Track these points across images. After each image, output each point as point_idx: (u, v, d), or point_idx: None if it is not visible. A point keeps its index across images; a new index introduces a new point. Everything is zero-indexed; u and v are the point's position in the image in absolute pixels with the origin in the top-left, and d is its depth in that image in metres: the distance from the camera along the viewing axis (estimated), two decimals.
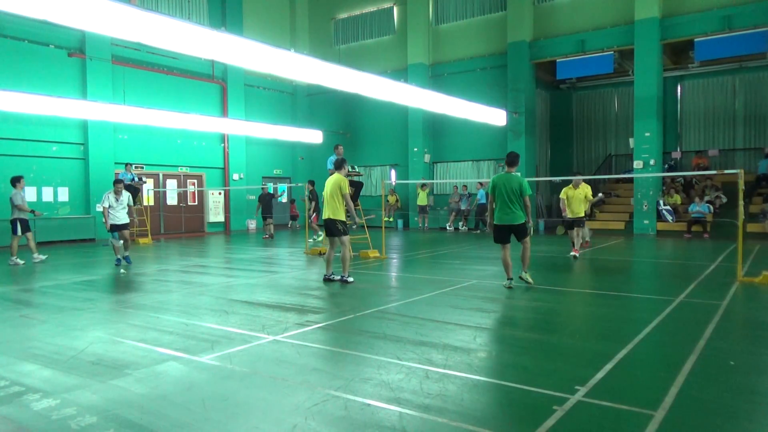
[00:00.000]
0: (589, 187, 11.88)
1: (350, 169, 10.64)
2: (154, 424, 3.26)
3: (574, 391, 3.67)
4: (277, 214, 20.53)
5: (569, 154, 23.23)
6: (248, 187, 21.18)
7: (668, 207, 17.05)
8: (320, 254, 12.00)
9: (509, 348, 5.00)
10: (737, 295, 7.09)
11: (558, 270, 9.86)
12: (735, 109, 20.05)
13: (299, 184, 18.19)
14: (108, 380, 4.03)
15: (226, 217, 21.39)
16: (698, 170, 18.42)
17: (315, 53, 22.24)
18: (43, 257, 11.61)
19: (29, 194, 15.29)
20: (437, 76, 21.12)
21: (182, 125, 16.16)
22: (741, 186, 8.30)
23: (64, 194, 16.59)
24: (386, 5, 22.70)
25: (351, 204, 8.42)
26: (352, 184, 10.65)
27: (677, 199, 17.64)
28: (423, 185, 20.63)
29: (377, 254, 11.75)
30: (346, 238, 8.43)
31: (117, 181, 10.52)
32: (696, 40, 16.50)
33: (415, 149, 21.50)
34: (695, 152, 20.41)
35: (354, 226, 10.28)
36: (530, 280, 7.70)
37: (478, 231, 18.97)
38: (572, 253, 11.53)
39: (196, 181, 20.70)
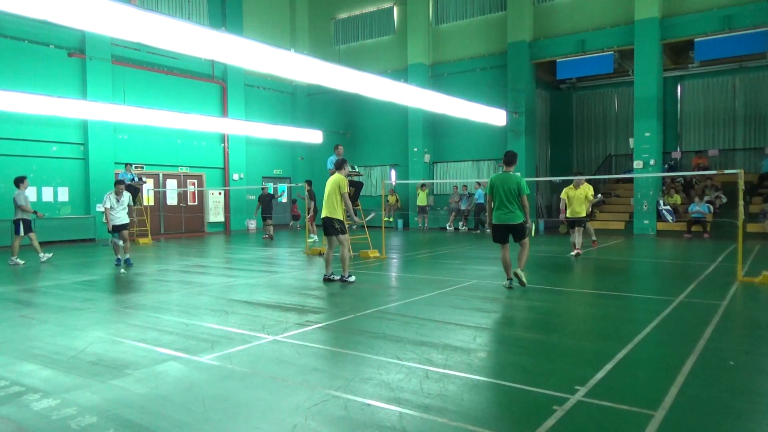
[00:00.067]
0: (591, 188, 11.88)
1: (350, 169, 10.62)
2: (154, 424, 3.26)
3: (574, 391, 3.66)
4: (277, 214, 20.53)
5: (569, 154, 23.24)
6: (248, 187, 21.19)
7: (668, 207, 17.05)
8: (320, 254, 12.00)
9: (509, 348, 5.00)
10: (737, 295, 7.09)
11: (558, 270, 9.86)
12: (735, 109, 20.05)
13: (299, 184, 18.19)
14: (108, 380, 4.03)
15: (226, 217, 21.39)
16: (698, 170, 18.43)
17: (315, 53, 22.24)
18: (49, 255, 11.61)
19: (29, 194, 15.27)
20: (437, 76, 21.13)
21: (182, 125, 16.16)
22: (741, 186, 8.30)
23: (64, 194, 16.59)
24: (386, 5, 22.71)
25: (349, 203, 8.42)
26: (352, 184, 10.66)
27: (677, 199, 17.64)
28: (422, 185, 20.64)
29: (377, 254, 11.75)
30: (343, 237, 8.42)
31: (118, 182, 10.53)
32: (696, 40, 16.50)
33: (415, 149, 21.50)
34: (695, 152, 20.42)
35: (354, 227, 10.30)
36: (524, 279, 7.52)
37: (478, 231, 18.97)
38: (573, 253, 11.54)
39: (196, 181, 20.71)
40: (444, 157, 21.65)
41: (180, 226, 20.28)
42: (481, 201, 18.80)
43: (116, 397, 3.68)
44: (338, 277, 8.42)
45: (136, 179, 16.62)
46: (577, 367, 4.25)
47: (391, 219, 21.75)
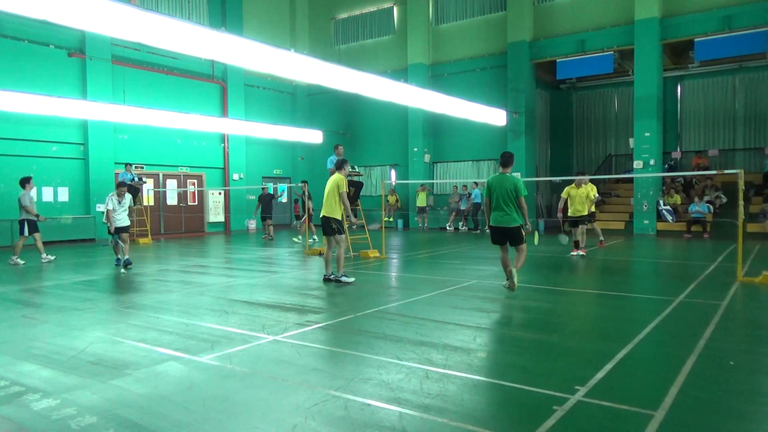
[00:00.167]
0: (594, 188, 11.90)
1: (350, 169, 10.61)
2: (154, 424, 3.26)
3: (574, 391, 3.67)
4: (277, 214, 20.53)
5: (569, 154, 23.24)
6: (248, 187, 21.19)
7: (668, 207, 17.05)
8: (320, 254, 12.00)
9: (509, 348, 5.00)
10: (737, 295, 7.09)
11: (558, 270, 9.86)
12: (735, 109, 20.04)
13: (299, 184, 18.20)
14: (108, 380, 4.03)
15: (226, 217, 21.39)
16: (698, 170, 18.43)
17: (315, 53, 22.24)
18: (51, 257, 11.61)
19: (19, 195, 15.27)
20: (437, 76, 21.12)
21: (182, 125, 16.17)
22: (741, 186, 8.30)
23: (64, 194, 16.59)
24: (386, 5, 22.71)
25: (347, 203, 8.40)
26: (352, 184, 10.65)
27: (677, 199, 17.64)
28: (422, 186, 20.65)
29: (377, 254, 11.75)
30: (341, 237, 8.42)
31: (120, 184, 10.52)
32: (696, 40, 16.50)
33: (415, 149, 21.50)
34: (695, 152, 20.42)
35: (354, 227, 10.30)
36: (515, 281, 7.13)
37: (478, 231, 18.97)
38: (573, 253, 11.55)
39: (196, 181, 20.71)
40: (444, 157, 21.65)
41: (180, 226, 20.28)
42: (479, 201, 18.84)
43: (116, 397, 3.69)
44: (334, 277, 8.42)
45: (136, 179, 16.61)
46: (577, 367, 4.25)
47: (391, 219, 21.76)
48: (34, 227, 11.45)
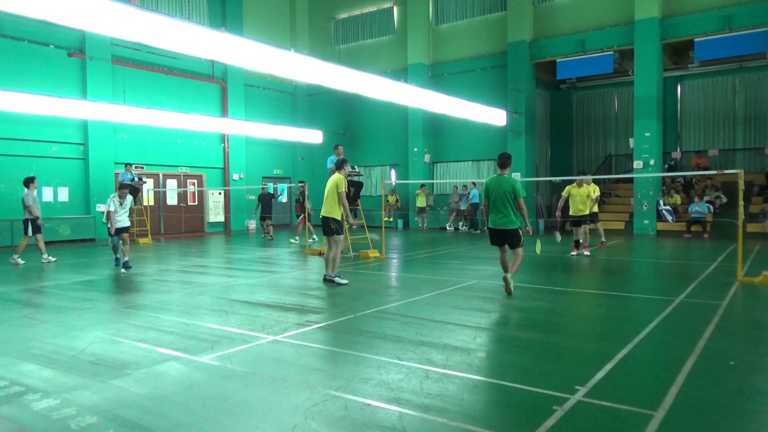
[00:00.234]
0: (597, 188, 11.92)
1: (351, 169, 10.61)
2: (154, 424, 3.26)
3: (574, 391, 3.67)
4: (276, 214, 20.52)
5: (569, 154, 23.24)
6: (248, 187, 21.18)
7: (668, 207, 17.05)
8: (320, 254, 12.00)
9: (509, 348, 5.00)
10: (737, 295, 7.09)
11: (558, 270, 9.86)
12: (735, 109, 20.05)
13: (297, 184, 18.21)
14: (108, 380, 4.03)
15: (226, 217, 21.39)
16: (698, 170, 18.43)
17: (315, 53, 22.23)
18: (52, 258, 11.60)
19: (23, 195, 15.28)
20: (437, 76, 21.12)
21: (182, 125, 16.16)
22: (741, 186, 8.30)
23: (64, 194, 16.59)
24: (386, 5, 22.70)
25: (346, 203, 8.38)
26: (352, 184, 10.65)
27: (677, 199, 17.64)
28: (422, 186, 20.65)
29: (377, 254, 11.75)
30: (338, 238, 8.41)
31: (122, 186, 10.51)
32: (696, 40, 16.50)
33: (415, 149, 21.50)
34: (695, 152, 20.42)
35: (354, 227, 10.27)
36: (511, 287, 7.07)
37: (478, 231, 18.97)
38: (573, 253, 11.56)
39: (196, 181, 20.71)
40: (444, 157, 21.65)
41: (180, 226, 20.28)
42: (476, 201, 18.86)
43: (116, 397, 3.69)
44: (328, 277, 8.39)
45: (137, 179, 16.61)
46: (577, 367, 4.25)
47: (391, 219, 21.76)
48: (37, 228, 11.45)
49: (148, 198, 18.64)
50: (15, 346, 5.01)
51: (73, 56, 16.64)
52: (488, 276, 8.89)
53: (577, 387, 3.73)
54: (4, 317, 6.27)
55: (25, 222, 11.38)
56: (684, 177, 18.88)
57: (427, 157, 21.47)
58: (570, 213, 11.76)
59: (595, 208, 12.28)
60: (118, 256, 10.50)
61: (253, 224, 21.57)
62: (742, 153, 19.92)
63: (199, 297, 7.39)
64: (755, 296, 7.10)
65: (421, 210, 20.88)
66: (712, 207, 16.36)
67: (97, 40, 16.78)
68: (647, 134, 17.23)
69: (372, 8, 23.05)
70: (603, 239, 13.14)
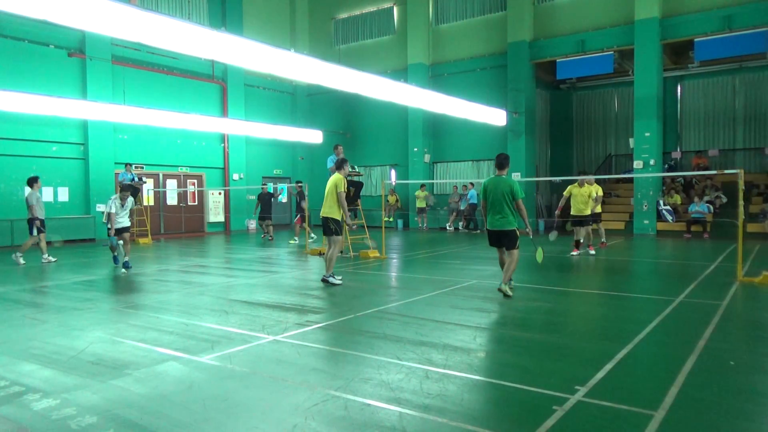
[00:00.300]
0: (599, 188, 11.95)
1: (350, 169, 10.61)
2: (154, 424, 3.26)
3: (574, 391, 3.67)
4: (276, 214, 20.51)
5: (569, 154, 23.24)
6: (248, 187, 21.18)
7: (668, 207, 17.05)
8: (320, 254, 12.00)
9: (509, 348, 5.00)
10: (737, 295, 7.09)
11: (558, 270, 9.86)
12: (735, 109, 20.05)
13: (294, 185, 18.22)
14: (108, 380, 4.03)
15: (226, 217, 21.39)
16: (698, 170, 18.43)
17: (315, 53, 22.23)
18: (53, 259, 11.60)
19: (26, 195, 15.28)
20: (437, 76, 21.12)
21: (182, 125, 16.16)
22: (741, 186, 8.29)
23: (64, 194, 16.59)
24: (386, 5, 22.70)
25: (344, 204, 8.36)
26: (352, 184, 10.64)
27: (677, 199, 17.64)
28: (422, 187, 20.66)
29: (377, 254, 11.75)
30: (338, 238, 8.39)
31: (123, 189, 10.49)
32: (696, 40, 16.50)
33: (415, 149, 21.50)
34: (695, 152, 20.42)
35: (354, 227, 10.28)
36: (509, 292, 7.02)
37: (478, 231, 18.97)
38: (573, 253, 11.58)
39: (196, 181, 20.70)
40: (444, 157, 21.65)
41: (180, 226, 20.28)
42: (474, 201, 18.88)
43: (116, 397, 3.69)
44: (323, 276, 8.37)
45: (137, 179, 16.61)
46: (577, 367, 4.25)
47: (391, 219, 21.76)
48: (41, 227, 11.47)
49: (148, 198, 18.64)
50: (15, 346, 5.01)
51: (73, 56, 16.64)
52: (488, 276, 8.89)
53: (577, 387, 3.73)
54: (4, 317, 6.27)
55: (30, 222, 11.39)
56: (684, 177, 18.88)
57: (427, 157, 21.47)
58: (571, 213, 11.78)
59: (598, 209, 12.31)
60: (116, 254, 10.50)
61: (253, 224, 21.57)
62: (742, 153, 19.93)
63: (199, 297, 7.39)
64: (755, 296, 7.10)
65: (421, 210, 20.89)
66: (712, 207, 16.36)
67: (97, 40, 16.78)
68: (647, 134, 17.23)
69: (372, 8, 23.05)
70: (603, 239, 13.16)
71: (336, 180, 8.35)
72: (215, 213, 21.14)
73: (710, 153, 20.04)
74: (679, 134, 21.19)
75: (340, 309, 6.61)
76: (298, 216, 16.03)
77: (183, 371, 4.25)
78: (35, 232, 11.36)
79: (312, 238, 15.02)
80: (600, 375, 3.99)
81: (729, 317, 5.97)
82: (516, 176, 18.68)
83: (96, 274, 9.86)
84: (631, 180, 18.66)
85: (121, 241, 10.37)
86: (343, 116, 23.76)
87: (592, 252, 11.77)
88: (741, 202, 8.34)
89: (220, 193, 21.08)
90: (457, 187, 20.40)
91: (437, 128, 21.32)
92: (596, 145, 22.95)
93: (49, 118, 15.63)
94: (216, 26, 16.94)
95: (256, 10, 22.52)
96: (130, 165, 16.60)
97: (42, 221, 11.42)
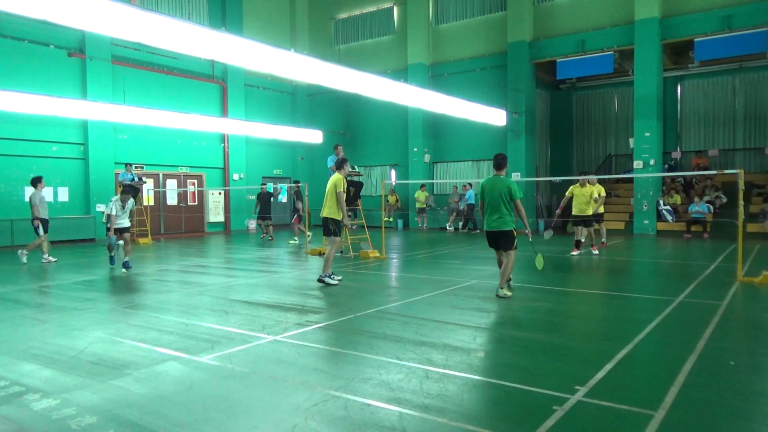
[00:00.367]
0: (601, 188, 11.98)
1: (351, 169, 10.60)
2: (154, 424, 3.26)
3: (574, 391, 3.67)
4: (276, 214, 20.50)
5: (569, 154, 23.24)
6: (248, 187, 21.19)
7: (668, 207, 17.06)
8: (320, 254, 12.00)
9: (509, 348, 5.00)
10: (737, 295, 7.09)
11: (558, 270, 9.86)
12: (735, 109, 20.05)
13: (300, 184, 18.21)
14: (108, 380, 4.03)
15: (226, 217, 21.39)
16: (698, 170, 18.43)
17: (315, 53, 22.24)
18: (53, 259, 11.60)
19: (30, 195, 15.29)
20: (437, 76, 21.12)
21: (182, 125, 16.16)
22: (741, 186, 8.29)
23: (64, 194, 16.59)
24: (386, 5, 22.70)
25: (343, 204, 8.32)
26: (352, 183, 10.64)
27: (677, 199, 17.65)
28: (422, 186, 20.67)
29: (377, 254, 11.75)
30: (336, 239, 8.38)
31: (125, 191, 10.48)
32: (696, 40, 16.50)
33: (415, 149, 21.50)
34: (695, 152, 20.42)
35: (354, 227, 10.28)
36: (508, 293, 7.03)
37: (478, 231, 18.98)
38: (573, 253, 11.59)
39: (196, 181, 20.70)
40: (444, 157, 21.65)
41: (180, 226, 20.28)
42: (472, 202, 18.89)
43: (116, 397, 3.69)
44: (319, 277, 8.35)
45: (137, 179, 16.61)
46: (577, 367, 4.25)
47: (391, 219, 21.77)
48: (45, 226, 11.47)
49: (148, 198, 18.64)
50: (15, 346, 5.01)
51: (73, 56, 16.64)
52: (488, 276, 8.89)
53: (577, 387, 3.73)
54: (4, 317, 6.27)
55: (33, 222, 11.39)
56: (684, 177, 18.88)
57: (427, 157, 21.47)
58: (573, 213, 11.81)
59: (601, 209, 12.34)
60: (113, 255, 10.48)
61: (253, 224, 21.56)
62: (742, 153, 19.93)
63: (199, 297, 7.39)
64: (755, 296, 7.10)
65: (421, 210, 20.90)
66: (712, 207, 16.37)
67: (97, 40, 16.78)
68: (647, 134, 17.23)
69: (372, 8, 23.05)
70: (604, 239, 13.17)
71: (335, 180, 8.34)
72: (215, 213, 21.14)
73: (710, 153, 20.04)
74: (679, 134, 21.19)
75: (340, 309, 6.61)
76: (296, 216, 16.04)
77: (183, 371, 4.25)
78: (41, 231, 11.38)
79: (308, 235, 15.06)
80: (600, 375, 3.99)
81: (729, 317, 5.97)
82: (516, 176, 18.69)
83: (96, 274, 9.86)
84: (631, 180, 18.66)
85: (121, 242, 10.38)
86: (343, 116, 23.76)
87: (595, 252, 11.79)
88: (741, 202, 8.34)
89: (220, 193, 21.08)
90: (456, 187, 20.40)
91: (437, 128, 21.32)
92: (596, 145, 22.96)
93: (49, 118, 15.63)
94: (216, 26, 16.93)
95: (256, 10, 22.52)
96: (130, 165, 16.61)
97: (44, 221, 11.42)
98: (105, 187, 17.19)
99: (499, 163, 7.21)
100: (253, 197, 20.87)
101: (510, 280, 7.27)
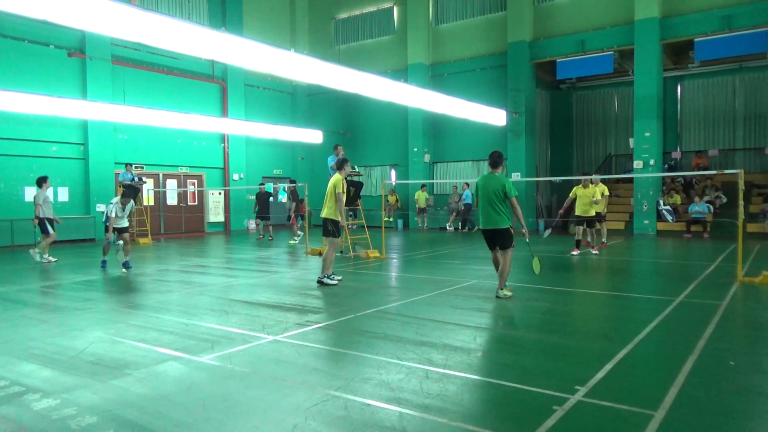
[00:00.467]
0: (604, 188, 12.02)
1: (351, 169, 10.60)
2: (154, 424, 3.26)
3: (574, 391, 3.67)
4: (276, 214, 20.50)
5: (569, 154, 23.24)
6: (248, 187, 21.19)
7: (668, 207, 17.05)
8: (320, 254, 11.99)
9: (509, 348, 5.00)
10: (737, 295, 7.09)
11: (558, 270, 9.86)
12: (735, 109, 20.04)
13: (299, 184, 18.23)
14: (108, 380, 4.03)
15: (226, 217, 21.39)
16: (698, 170, 18.43)
17: (315, 53, 22.24)
18: (53, 259, 11.60)
19: (30, 195, 15.30)
20: (437, 76, 21.12)
21: (182, 125, 16.17)
22: (741, 186, 8.29)
23: (64, 194, 16.59)
24: (386, 5, 22.70)
25: (341, 205, 8.28)
26: (352, 184, 10.64)
27: (677, 199, 17.64)
28: (423, 186, 20.67)
29: (377, 254, 11.75)
30: (335, 239, 8.35)
31: (125, 194, 10.46)
32: (696, 40, 16.50)
33: (415, 149, 21.50)
34: (695, 152, 20.41)
35: (354, 227, 10.28)
36: (508, 294, 7.01)
37: (475, 229, 18.98)
38: (574, 253, 11.59)
39: (196, 181, 20.71)
40: (444, 157, 21.65)
41: (180, 226, 20.28)
42: (469, 201, 18.89)
43: (116, 397, 3.69)
44: (318, 278, 8.36)
45: (137, 179, 16.60)
46: (577, 367, 4.25)
47: (391, 219, 21.77)
48: (49, 226, 11.48)
49: (148, 198, 18.64)
50: (15, 346, 5.01)
51: (73, 56, 16.64)
52: (488, 276, 8.88)
53: (577, 387, 3.73)
54: (4, 317, 6.27)
55: (41, 222, 11.39)
56: (684, 177, 18.87)
57: (427, 157, 21.47)
58: (576, 213, 11.85)
59: (603, 209, 12.39)
60: (105, 258, 10.43)
61: (253, 224, 21.56)
62: (742, 153, 19.92)
63: (199, 297, 7.39)
64: (755, 296, 7.10)
65: (421, 210, 20.91)
66: (712, 207, 16.37)
67: (97, 40, 16.78)
68: (647, 134, 17.23)
69: (372, 8, 23.05)
70: (604, 239, 13.18)
71: (335, 181, 8.32)
72: (215, 213, 21.14)
73: (710, 153, 20.03)
74: (679, 134, 21.18)
75: (340, 309, 6.61)
76: (293, 216, 16.06)
77: (183, 371, 4.25)
78: (50, 230, 11.40)
79: (299, 235, 15.24)
80: (600, 375, 3.99)
81: (729, 317, 5.97)
82: (516, 176, 18.69)
83: (96, 274, 9.85)
84: (631, 180, 18.65)
85: (120, 242, 10.38)
86: (343, 116, 23.76)
87: (595, 252, 11.80)
88: (741, 202, 8.34)
89: (220, 193, 21.08)
90: (456, 187, 20.41)
91: (437, 128, 21.32)
92: (596, 145, 22.95)
93: (49, 118, 15.63)
94: (216, 26, 16.93)
95: (256, 10, 22.52)
96: (130, 165, 16.61)
97: (50, 220, 11.41)
98: (105, 187, 17.20)
99: (495, 161, 7.14)
100: (253, 197, 20.88)
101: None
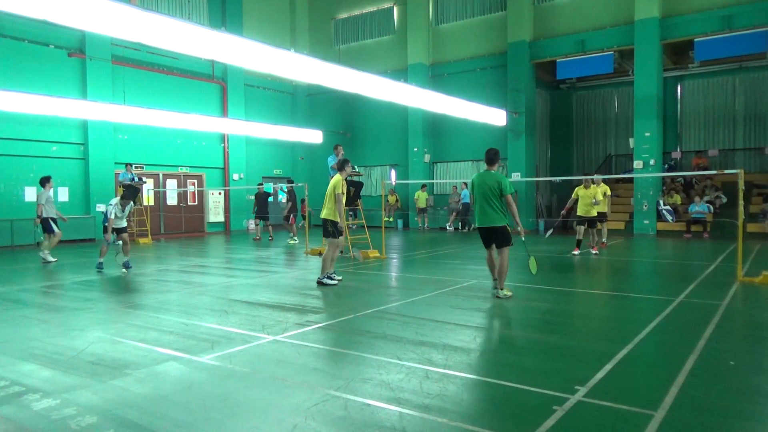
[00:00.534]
0: (606, 188, 12.03)
1: (351, 169, 10.58)
2: (154, 424, 3.26)
3: (574, 391, 3.66)
4: (275, 214, 20.48)
5: (569, 154, 23.24)
6: (248, 187, 21.18)
7: (668, 207, 17.05)
8: (320, 254, 11.99)
9: (509, 348, 5.00)
10: (737, 295, 7.09)
11: (558, 270, 9.86)
12: (735, 109, 20.05)
13: (299, 184, 18.23)
14: (108, 380, 4.03)
15: (226, 217, 21.39)
16: (698, 170, 18.43)
17: (315, 53, 22.24)
18: (53, 259, 11.60)
19: (29, 195, 15.32)
20: (437, 76, 21.12)
21: (182, 125, 16.17)
22: (741, 186, 8.29)
23: (64, 194, 16.59)
24: (386, 5, 22.70)
25: (340, 206, 8.26)
26: (352, 184, 10.63)
27: (677, 199, 17.65)
28: (423, 186, 20.67)
29: (377, 254, 11.75)
30: (335, 240, 8.34)
31: (125, 196, 10.45)
32: (696, 40, 16.50)
33: (415, 149, 21.50)
34: (695, 152, 20.42)
35: (354, 227, 10.28)
36: (508, 294, 6.97)
37: (470, 230, 18.99)
38: (574, 253, 11.60)
39: (196, 181, 20.70)
40: (444, 157, 21.65)
41: (180, 226, 20.28)
42: (466, 201, 18.90)
43: (116, 397, 3.69)
44: (318, 278, 8.36)
45: (137, 179, 16.60)
46: (577, 367, 4.25)
47: (391, 219, 21.77)
48: (53, 225, 11.48)
49: (148, 198, 18.64)
50: (15, 346, 5.01)
51: (73, 56, 16.64)
52: (488, 276, 8.83)
53: (577, 387, 3.73)
54: (4, 317, 6.27)
55: (44, 221, 11.39)
56: (684, 177, 18.88)
57: (427, 157, 21.47)
58: (578, 214, 11.87)
59: (606, 209, 12.40)
60: (102, 260, 10.37)
61: (253, 224, 21.56)
62: (742, 153, 19.92)
63: (199, 297, 7.39)
64: (755, 296, 7.10)
65: (421, 210, 20.91)
66: (712, 207, 16.37)
67: (97, 40, 16.78)
68: (647, 134, 17.23)
69: (372, 8, 23.05)
70: (604, 239, 13.18)
71: (335, 182, 8.30)
72: (215, 213, 21.14)
73: (710, 153, 20.03)
74: (679, 134, 21.18)
75: (340, 309, 6.61)
76: (291, 216, 16.04)
77: (183, 371, 4.25)
78: (55, 228, 11.41)
79: (294, 240, 15.28)
80: (600, 375, 3.99)
81: (729, 317, 5.97)
82: (516, 176, 18.69)
83: (96, 274, 9.85)
84: (631, 180, 18.65)
85: (120, 242, 10.38)
86: (343, 116, 23.76)
87: (595, 252, 11.80)
88: (741, 202, 8.34)
89: (220, 193, 21.08)
90: (456, 187, 20.41)
91: (437, 128, 21.32)
92: (596, 145, 22.95)
93: (49, 118, 15.63)
94: (216, 26, 16.95)
95: (256, 10, 22.52)
96: (130, 165, 16.60)
97: (50, 220, 11.42)
98: (105, 187, 17.19)
99: (491, 158, 7.07)
100: (253, 197, 20.87)
101: (496, 280, 7.07)
